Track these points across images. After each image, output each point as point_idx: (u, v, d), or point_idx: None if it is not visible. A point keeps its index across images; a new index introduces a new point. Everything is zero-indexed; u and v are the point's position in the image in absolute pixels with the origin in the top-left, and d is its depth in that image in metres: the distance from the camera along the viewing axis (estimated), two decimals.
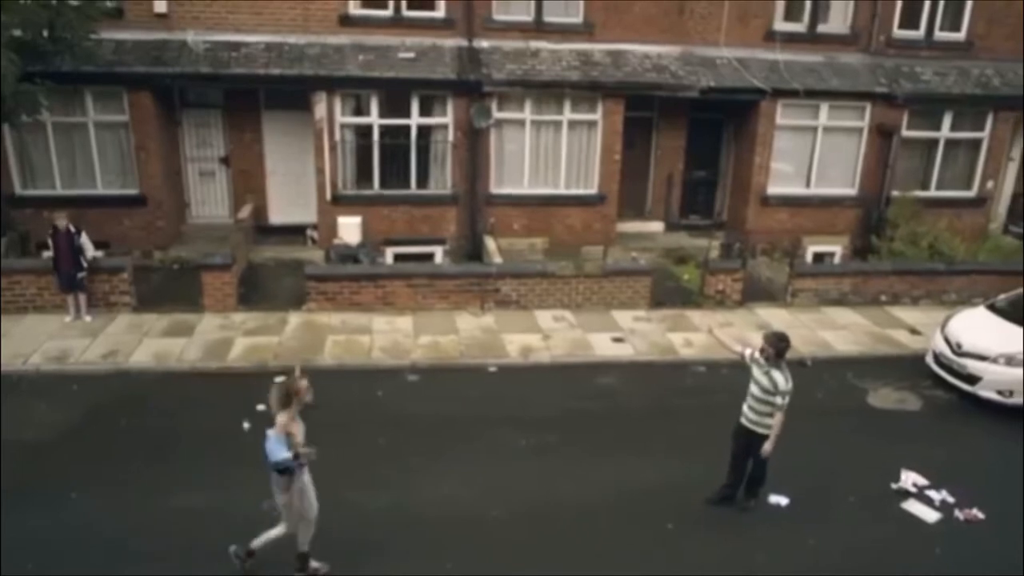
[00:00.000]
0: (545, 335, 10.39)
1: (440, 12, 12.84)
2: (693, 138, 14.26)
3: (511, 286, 11.12)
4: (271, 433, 5.35)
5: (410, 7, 12.76)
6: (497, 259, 12.15)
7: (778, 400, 6.36)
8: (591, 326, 10.73)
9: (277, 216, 13.50)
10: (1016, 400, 8.76)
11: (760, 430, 6.55)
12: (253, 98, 12.85)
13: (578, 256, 12.73)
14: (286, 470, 5.32)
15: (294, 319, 10.49)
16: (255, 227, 13.17)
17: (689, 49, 13.48)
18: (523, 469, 7.34)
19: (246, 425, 7.85)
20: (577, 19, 13.16)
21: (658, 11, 13.26)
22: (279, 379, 5.71)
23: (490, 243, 12.77)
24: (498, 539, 6.36)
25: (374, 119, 12.51)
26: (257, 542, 5.70)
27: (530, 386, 9.20)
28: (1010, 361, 8.79)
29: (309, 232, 13.16)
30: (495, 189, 13.07)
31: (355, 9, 12.62)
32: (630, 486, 7.09)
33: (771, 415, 6.45)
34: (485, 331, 10.44)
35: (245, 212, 12.84)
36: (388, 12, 12.72)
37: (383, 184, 12.83)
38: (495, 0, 12.87)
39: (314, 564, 5.80)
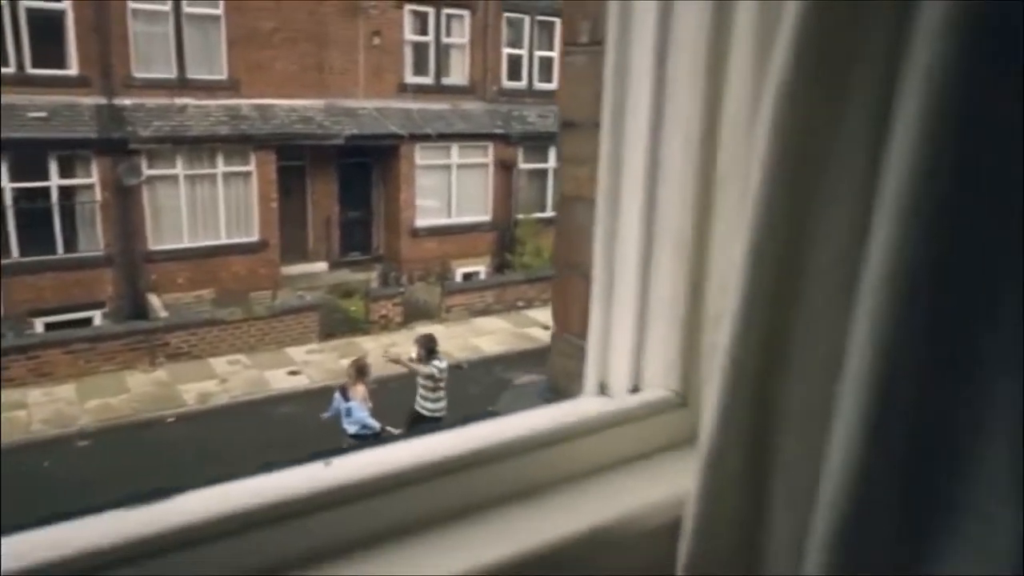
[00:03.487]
0: (222, 379, 10.85)
1: (73, 70, 12.56)
2: (345, 182, 15.61)
3: (181, 338, 11.36)
4: (353, 404, 7.03)
5: (36, 65, 12.30)
6: (163, 314, 12.23)
7: (442, 382, 7.91)
8: (267, 364, 11.42)
9: None
10: None
11: (431, 415, 8.02)
12: None
13: (247, 302, 13.27)
14: (373, 436, 6.96)
15: None
16: None
17: (332, 101, 14.79)
18: None
19: None
20: (222, 76, 13.74)
21: (299, 68, 14.38)
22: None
23: (154, 300, 12.76)
24: None
25: (5, 183, 11.83)
26: None
27: (210, 428, 9.65)
28: None
29: None
30: (154, 245, 13.08)
31: None
32: None
33: (439, 400, 7.97)
34: (159, 385, 10.59)
35: None
36: (10, 69, 12.13)
37: (24, 251, 12.12)
38: (134, 58, 12.96)
39: None
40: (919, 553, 0.67)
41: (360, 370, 7.46)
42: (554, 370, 1.22)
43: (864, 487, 0.64)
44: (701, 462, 0.73)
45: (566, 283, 1.17)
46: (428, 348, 8.04)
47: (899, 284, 0.61)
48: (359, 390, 7.27)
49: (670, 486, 0.80)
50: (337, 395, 7.44)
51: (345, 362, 12.25)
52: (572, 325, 1.12)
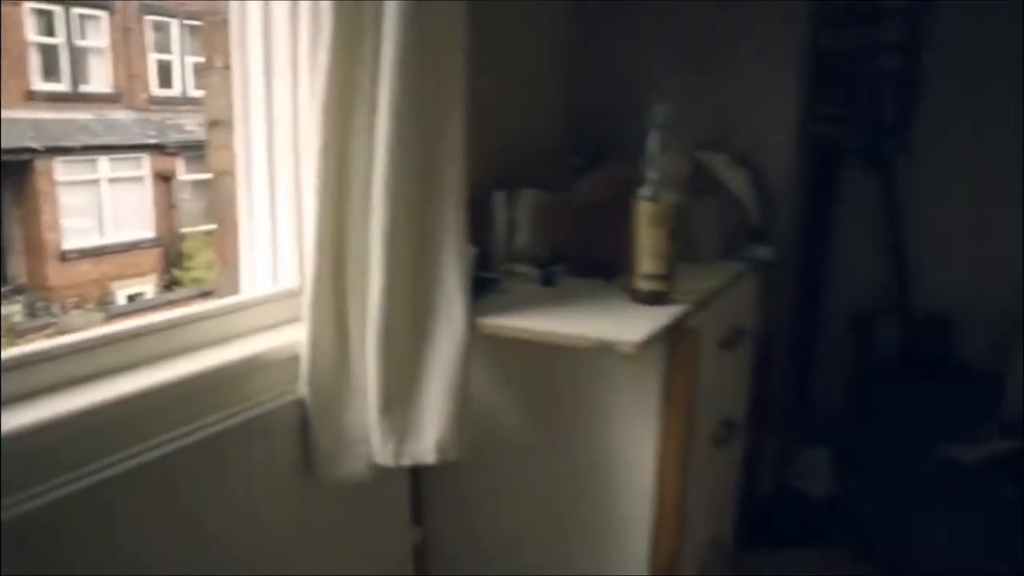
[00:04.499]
0: None
1: None
2: None
3: None
4: None
5: None
6: None
7: None
8: None
9: None
10: None
11: None
12: None
13: None
14: None
15: None
16: None
17: None
18: None
19: None
20: None
21: None
22: None
23: None
24: None
25: None
26: None
27: None
28: None
29: None
30: None
31: None
32: None
33: None
34: None
35: None
36: None
37: None
38: None
39: None
40: (424, 343, 1.31)
41: None
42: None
43: (388, 303, 1.24)
44: (306, 314, 1.29)
45: (223, 235, 1.66)
46: None
47: (391, 202, 1.23)
48: None
49: (297, 335, 1.34)
50: None
51: None
52: (230, 262, 1.61)
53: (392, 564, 1.68)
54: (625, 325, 1.27)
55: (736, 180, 1.92)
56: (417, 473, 1.71)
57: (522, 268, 1.61)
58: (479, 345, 1.36)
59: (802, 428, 2.65)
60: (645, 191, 1.37)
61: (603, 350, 1.22)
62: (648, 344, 1.21)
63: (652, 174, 1.37)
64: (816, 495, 2.45)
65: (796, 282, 2.43)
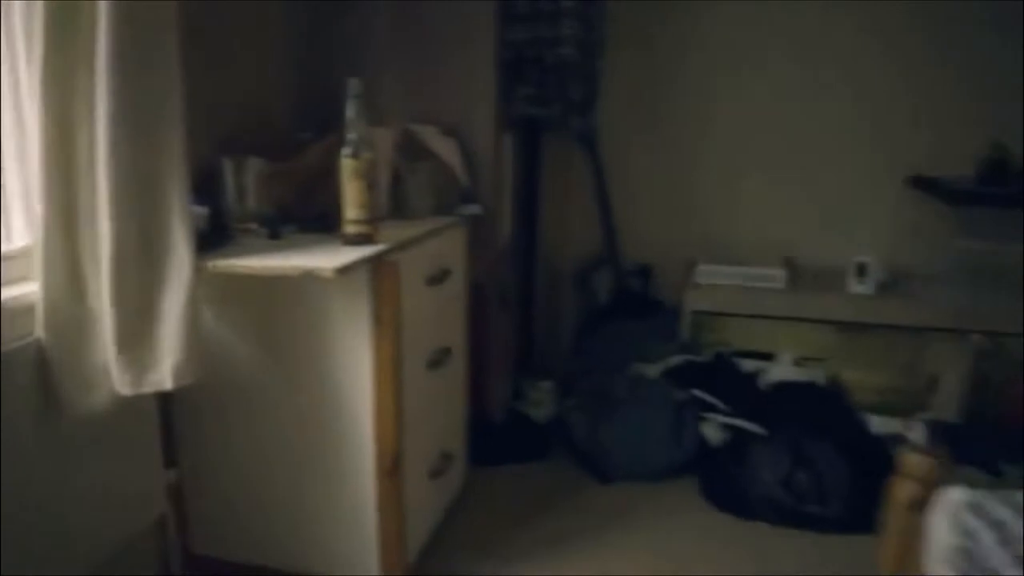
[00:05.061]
0: None
1: None
2: None
3: None
4: None
5: None
6: None
7: None
8: None
9: None
10: None
11: None
12: None
13: None
14: None
15: None
16: None
17: None
18: None
19: None
20: None
21: None
22: None
23: None
24: None
25: None
26: None
27: None
28: None
29: None
30: None
31: None
32: None
33: None
34: None
35: None
36: None
37: None
38: None
39: None
40: (155, 287, 1.50)
41: None
42: None
43: (117, 256, 1.43)
44: (38, 264, 1.44)
45: None
46: None
47: (115, 167, 1.41)
48: None
49: (33, 287, 1.48)
50: None
51: None
52: None
53: (146, 505, 1.83)
54: (331, 259, 1.55)
55: (446, 148, 2.27)
56: (168, 418, 1.88)
57: (253, 226, 1.84)
58: (214, 291, 1.56)
59: (532, 365, 3.10)
60: (346, 150, 1.66)
61: (309, 277, 1.50)
62: (346, 271, 1.51)
63: (352, 136, 1.66)
64: (542, 420, 2.90)
65: (517, 239, 2.85)
